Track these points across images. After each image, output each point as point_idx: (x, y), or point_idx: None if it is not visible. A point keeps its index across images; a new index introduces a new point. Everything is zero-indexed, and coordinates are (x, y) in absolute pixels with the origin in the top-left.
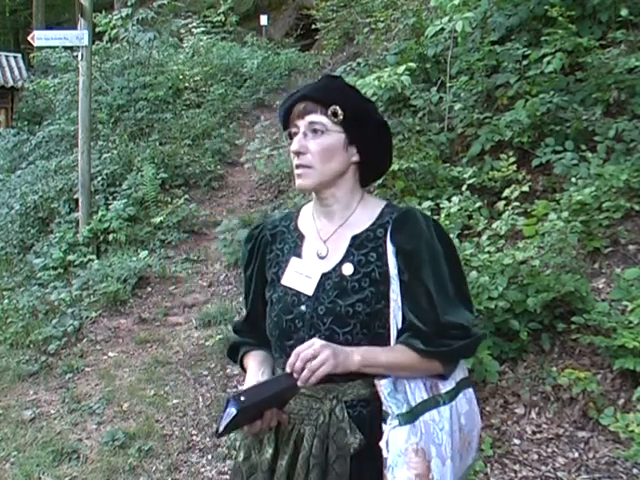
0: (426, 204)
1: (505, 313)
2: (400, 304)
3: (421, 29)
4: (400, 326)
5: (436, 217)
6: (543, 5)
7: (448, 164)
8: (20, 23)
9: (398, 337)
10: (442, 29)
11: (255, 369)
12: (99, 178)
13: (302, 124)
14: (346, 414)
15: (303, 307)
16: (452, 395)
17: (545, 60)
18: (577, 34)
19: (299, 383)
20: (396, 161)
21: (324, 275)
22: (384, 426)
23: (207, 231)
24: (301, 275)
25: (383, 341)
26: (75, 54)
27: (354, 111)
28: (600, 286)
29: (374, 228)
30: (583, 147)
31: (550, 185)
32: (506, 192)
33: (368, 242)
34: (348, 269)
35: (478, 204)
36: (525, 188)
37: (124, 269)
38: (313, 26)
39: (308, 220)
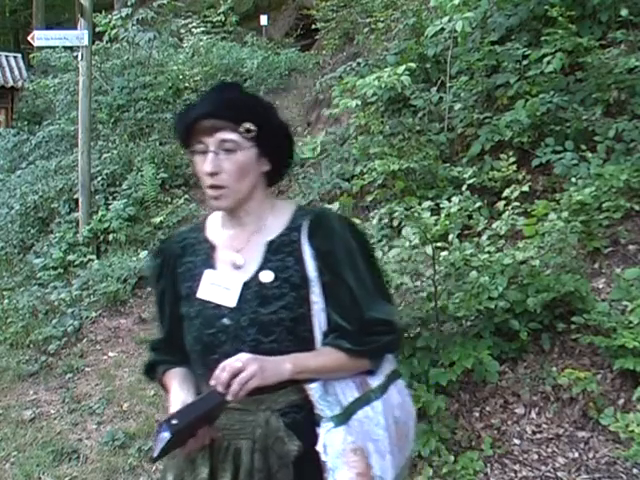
0: (426, 204)
1: (505, 313)
2: (323, 306)
3: (421, 29)
4: (324, 328)
5: (436, 217)
6: (543, 5)
7: (448, 164)
8: (20, 23)
9: (324, 339)
10: (442, 29)
11: (178, 388)
12: (99, 178)
13: (211, 142)
14: (281, 422)
15: (225, 320)
16: (383, 389)
17: (545, 60)
18: (577, 34)
19: (229, 397)
20: (396, 161)
21: (244, 285)
22: (319, 430)
23: None
24: (219, 287)
25: (309, 345)
26: (75, 54)
27: (266, 124)
28: (600, 286)
29: (288, 232)
30: (583, 147)
31: (550, 185)
32: (506, 192)
33: (284, 247)
34: (267, 276)
35: (478, 204)
36: (525, 188)
37: (124, 269)
38: (313, 26)
39: (217, 230)
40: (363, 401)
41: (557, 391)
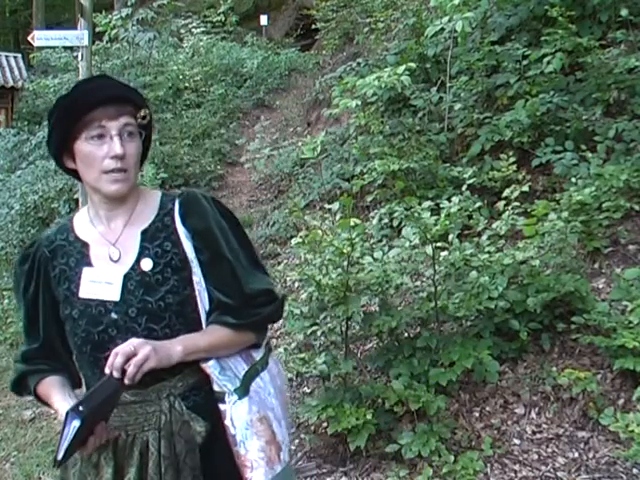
0: (426, 204)
1: (505, 313)
2: (204, 285)
3: (421, 29)
4: (208, 307)
5: (436, 217)
6: (543, 5)
7: (448, 164)
8: (20, 23)
9: (208, 318)
10: (442, 29)
11: (62, 393)
12: None
13: (114, 126)
14: (184, 407)
15: (113, 314)
16: (265, 360)
17: (545, 60)
18: (577, 34)
19: (126, 381)
20: (396, 161)
21: (125, 277)
22: (223, 406)
23: None
24: (100, 283)
25: (197, 326)
26: (75, 54)
27: (150, 112)
28: (600, 286)
29: (160, 218)
30: (583, 147)
31: (550, 185)
32: (506, 192)
33: (159, 233)
34: (147, 264)
35: (478, 204)
36: (525, 188)
37: None
38: (313, 26)
39: (87, 227)
40: (252, 373)
41: (557, 391)
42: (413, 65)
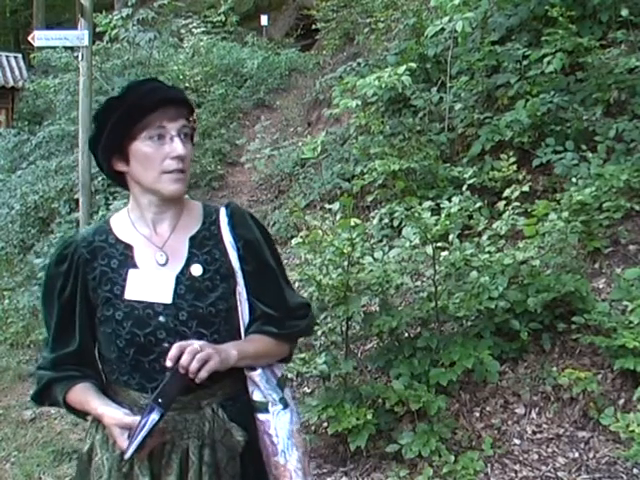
0: (426, 204)
1: (505, 313)
2: (245, 296)
3: (421, 29)
4: (248, 318)
5: (437, 217)
6: (543, 5)
7: (448, 164)
8: (20, 23)
9: (248, 328)
10: (442, 29)
11: (101, 398)
12: (99, 178)
13: (173, 127)
14: (226, 415)
15: (161, 317)
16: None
17: (545, 60)
18: (577, 34)
19: (191, 376)
20: (396, 161)
21: (175, 280)
22: (263, 415)
23: None
24: (149, 285)
25: (238, 336)
26: (75, 54)
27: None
28: (600, 286)
29: (207, 226)
30: (583, 147)
31: (550, 185)
32: (506, 192)
33: (207, 240)
34: (197, 270)
35: (478, 204)
36: (525, 188)
37: None
38: (313, 26)
39: (129, 230)
40: (283, 385)
41: (557, 391)
42: (413, 65)
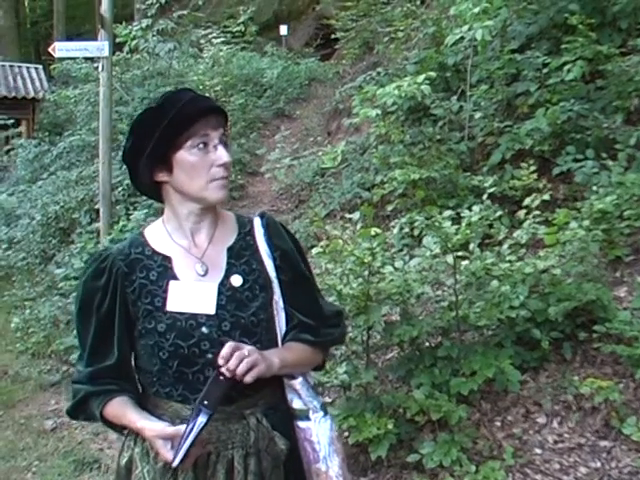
0: (447, 213)
1: (526, 322)
2: (282, 305)
3: (441, 38)
4: (285, 328)
5: (457, 226)
6: (563, 13)
7: (469, 173)
8: (41, 34)
9: (285, 336)
10: (462, 38)
11: (139, 411)
12: (120, 188)
13: (216, 136)
14: (269, 424)
15: (204, 328)
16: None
17: (565, 68)
18: (597, 42)
19: (238, 379)
20: (417, 170)
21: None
22: (304, 423)
23: None
24: (191, 296)
25: (277, 344)
26: (95, 65)
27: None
28: (622, 295)
29: (242, 237)
30: (604, 155)
31: (571, 194)
32: (527, 201)
33: (244, 251)
34: (237, 280)
35: (499, 213)
36: (546, 197)
37: None
38: (333, 36)
39: (166, 241)
40: (316, 393)
41: (579, 400)
42: (433, 74)
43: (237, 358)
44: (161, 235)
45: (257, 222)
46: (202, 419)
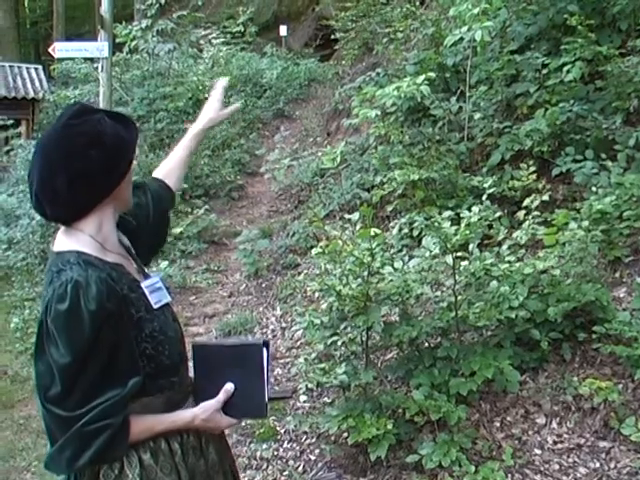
0: (446, 214)
1: (526, 323)
2: None
3: (440, 39)
4: None
5: (456, 227)
6: (562, 14)
7: (468, 174)
8: (41, 35)
9: None
10: (461, 39)
11: (166, 413)
12: None
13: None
14: None
15: (169, 314)
16: None
17: (565, 69)
18: (597, 42)
19: None
20: (416, 171)
21: None
22: None
23: (227, 241)
24: (158, 289)
25: None
26: (95, 65)
27: None
28: (621, 295)
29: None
30: (603, 156)
31: (570, 194)
32: (526, 201)
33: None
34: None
35: (498, 214)
36: (545, 197)
37: None
38: (332, 36)
39: (102, 252)
40: None
41: (578, 401)
42: (432, 75)
43: None
44: (97, 249)
45: None
46: (265, 353)
